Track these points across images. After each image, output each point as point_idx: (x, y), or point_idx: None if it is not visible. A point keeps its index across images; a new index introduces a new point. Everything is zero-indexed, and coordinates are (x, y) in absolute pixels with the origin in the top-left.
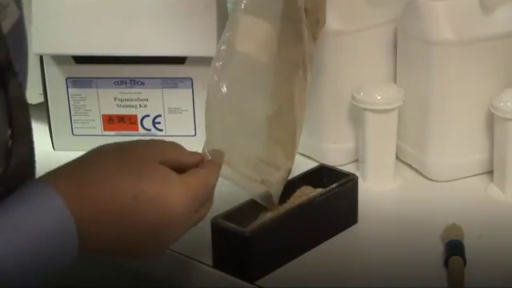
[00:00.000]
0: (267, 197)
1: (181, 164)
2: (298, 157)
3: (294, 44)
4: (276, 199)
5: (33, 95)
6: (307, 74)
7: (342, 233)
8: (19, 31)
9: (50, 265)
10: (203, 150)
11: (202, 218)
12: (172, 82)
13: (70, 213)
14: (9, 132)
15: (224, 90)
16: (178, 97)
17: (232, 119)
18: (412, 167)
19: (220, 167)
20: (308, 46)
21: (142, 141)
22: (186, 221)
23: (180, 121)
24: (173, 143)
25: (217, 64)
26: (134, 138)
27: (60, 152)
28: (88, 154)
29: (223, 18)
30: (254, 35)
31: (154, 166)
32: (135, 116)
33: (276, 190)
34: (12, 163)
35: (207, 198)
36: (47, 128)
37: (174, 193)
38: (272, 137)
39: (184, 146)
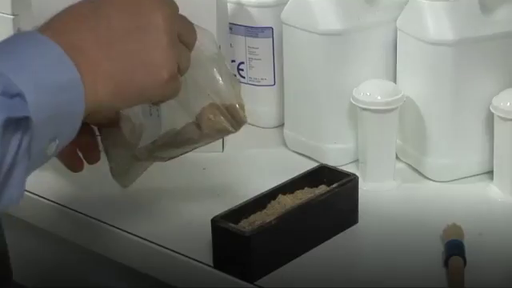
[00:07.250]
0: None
1: None
2: (298, 157)
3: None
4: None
5: None
6: None
7: (342, 233)
8: None
9: (63, 104)
10: None
11: (187, 53)
12: None
13: (56, 44)
14: None
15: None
16: None
17: None
18: (412, 167)
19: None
20: None
21: None
22: (170, 32)
23: None
24: None
25: None
26: None
27: None
28: None
29: (223, 19)
30: None
31: None
32: None
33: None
34: None
35: (187, 25)
36: None
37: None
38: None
39: None
